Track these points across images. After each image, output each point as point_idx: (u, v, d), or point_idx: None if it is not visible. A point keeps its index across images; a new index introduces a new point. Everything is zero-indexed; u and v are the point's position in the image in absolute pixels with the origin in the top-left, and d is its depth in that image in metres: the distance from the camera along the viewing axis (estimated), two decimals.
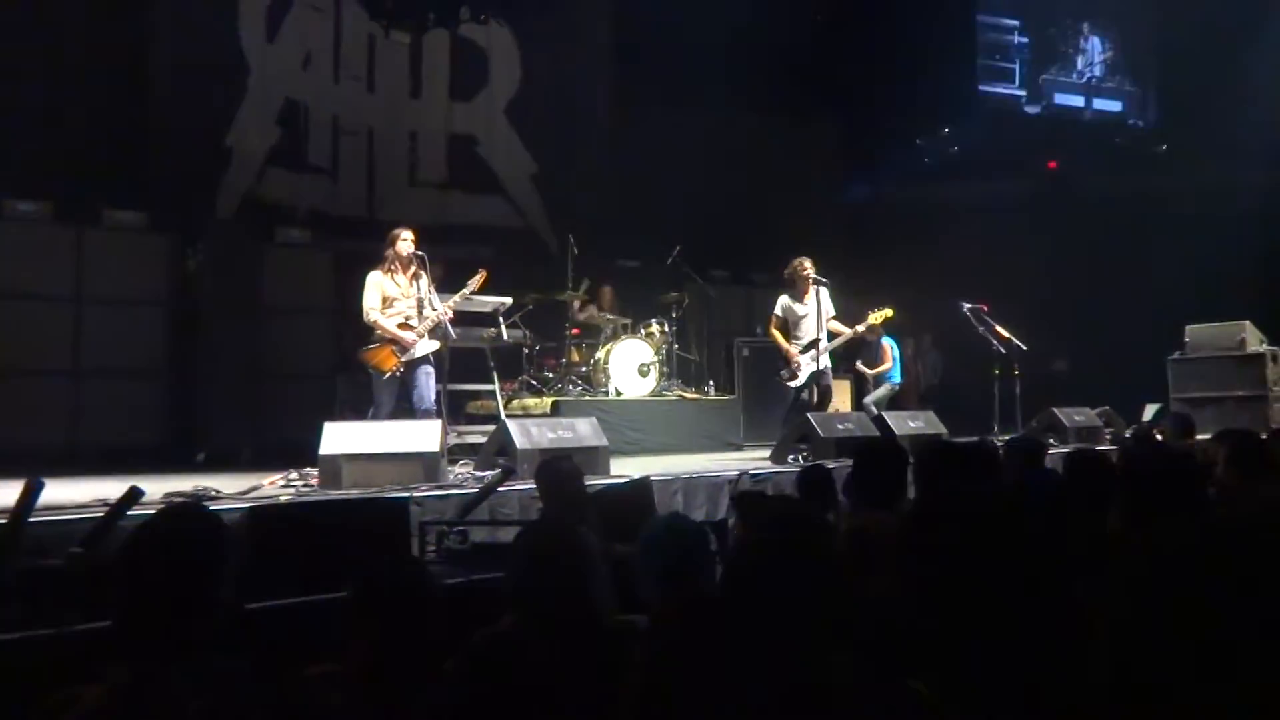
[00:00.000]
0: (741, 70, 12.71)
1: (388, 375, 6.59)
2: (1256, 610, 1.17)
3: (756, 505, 3.83)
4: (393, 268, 6.73)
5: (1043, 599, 1.74)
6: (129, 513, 3.73)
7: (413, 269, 6.71)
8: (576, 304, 9.97)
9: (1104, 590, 1.45)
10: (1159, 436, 7.51)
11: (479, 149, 12.64)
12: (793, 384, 8.26)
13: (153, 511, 2.47)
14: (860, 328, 8.46)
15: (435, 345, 6.73)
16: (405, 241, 6.71)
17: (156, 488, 5.49)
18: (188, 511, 2.40)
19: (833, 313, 8.34)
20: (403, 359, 6.60)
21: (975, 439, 6.11)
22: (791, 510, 2.84)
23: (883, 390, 10.80)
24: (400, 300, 6.72)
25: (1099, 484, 3.24)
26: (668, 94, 12.40)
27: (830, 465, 5.53)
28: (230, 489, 5.57)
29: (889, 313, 8.62)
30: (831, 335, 8.34)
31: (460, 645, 2.20)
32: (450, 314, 6.78)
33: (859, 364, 11.01)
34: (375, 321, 6.65)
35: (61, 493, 5.22)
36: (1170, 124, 15.32)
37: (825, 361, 8.28)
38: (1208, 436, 5.30)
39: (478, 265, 7.30)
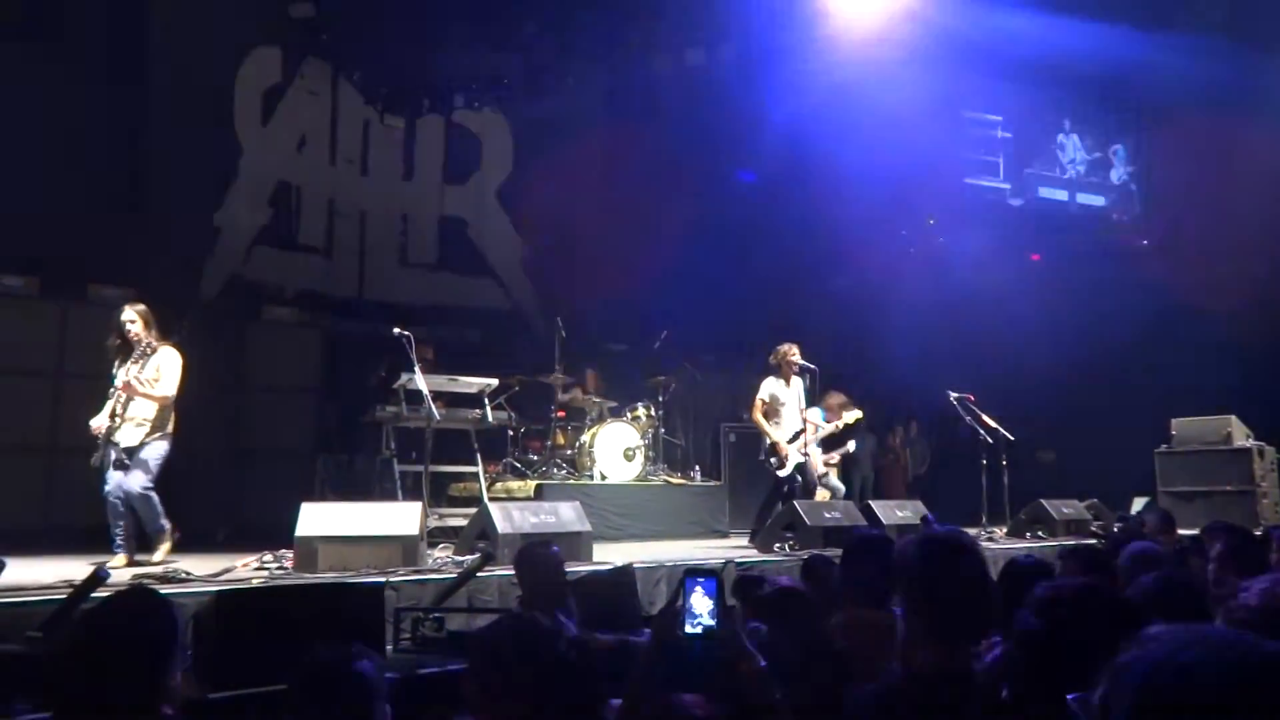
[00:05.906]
0: (731, 155, 12.87)
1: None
2: None
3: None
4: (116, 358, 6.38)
5: None
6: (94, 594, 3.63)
7: (131, 352, 6.28)
8: (560, 386, 9.88)
9: None
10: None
11: (469, 231, 12.75)
12: (781, 473, 8.21)
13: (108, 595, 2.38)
14: (839, 424, 8.51)
15: (104, 423, 6.20)
16: (112, 332, 6.39)
17: (128, 569, 5.37)
18: (136, 598, 2.29)
19: (804, 405, 8.35)
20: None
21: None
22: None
23: None
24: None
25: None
26: (658, 178, 12.51)
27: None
28: (203, 570, 5.43)
29: (859, 414, 8.79)
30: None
31: None
32: (125, 387, 6.23)
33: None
34: None
35: (29, 573, 5.09)
36: (1153, 220, 15.55)
37: (810, 451, 8.28)
38: (1195, 531, 5.23)
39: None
